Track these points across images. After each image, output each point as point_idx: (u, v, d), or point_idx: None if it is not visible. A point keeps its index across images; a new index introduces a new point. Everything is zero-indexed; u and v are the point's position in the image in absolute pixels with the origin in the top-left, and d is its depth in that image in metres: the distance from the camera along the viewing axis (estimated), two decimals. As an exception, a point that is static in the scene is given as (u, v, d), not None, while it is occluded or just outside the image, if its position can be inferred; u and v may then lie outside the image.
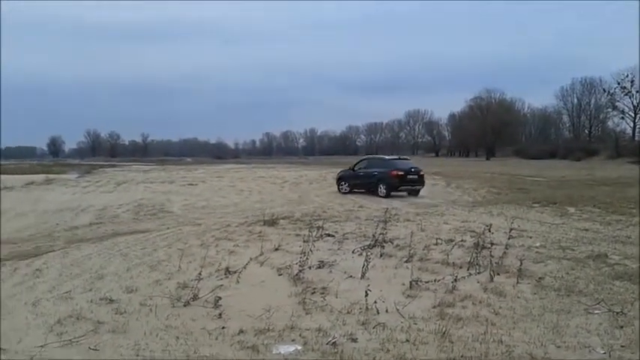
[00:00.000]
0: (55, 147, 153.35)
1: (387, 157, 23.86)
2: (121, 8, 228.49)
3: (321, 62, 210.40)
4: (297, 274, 6.32)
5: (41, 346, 4.18)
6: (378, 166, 21.37)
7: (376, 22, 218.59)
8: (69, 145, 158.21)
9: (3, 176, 34.45)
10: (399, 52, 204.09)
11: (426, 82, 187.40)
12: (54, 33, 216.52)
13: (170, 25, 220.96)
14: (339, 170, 24.43)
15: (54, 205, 16.90)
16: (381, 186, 20.09)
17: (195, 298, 5.41)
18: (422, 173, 20.82)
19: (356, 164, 22.64)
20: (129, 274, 6.76)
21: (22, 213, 14.92)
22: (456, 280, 5.93)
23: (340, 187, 22.08)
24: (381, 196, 19.57)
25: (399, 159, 22.60)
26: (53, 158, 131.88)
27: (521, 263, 6.46)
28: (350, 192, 21.34)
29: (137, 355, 4.01)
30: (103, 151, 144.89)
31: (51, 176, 36.83)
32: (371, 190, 20.50)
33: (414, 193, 20.39)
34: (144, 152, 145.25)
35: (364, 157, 26.16)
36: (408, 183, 20.31)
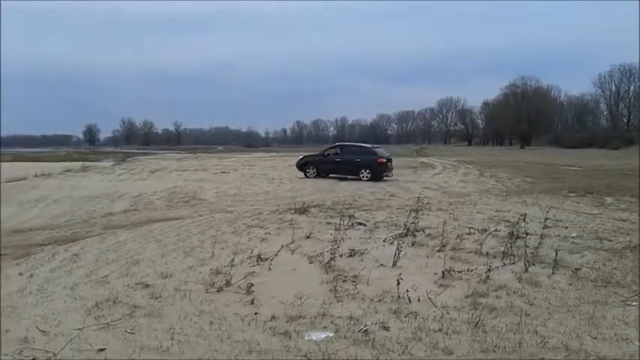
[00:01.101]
0: (90, 135, 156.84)
1: (365, 144, 25.19)
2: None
3: (352, 50, 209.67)
4: (328, 262, 6.34)
5: (79, 328, 4.29)
6: (359, 153, 23.13)
7: (408, 9, 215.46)
8: (104, 133, 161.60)
9: (42, 164, 35.42)
10: (432, 39, 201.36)
11: (460, 70, 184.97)
12: (90, 23, 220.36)
13: (204, 14, 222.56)
14: (300, 156, 26.00)
15: (90, 192, 17.27)
16: (365, 171, 21.99)
17: (228, 284, 5.48)
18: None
19: (327, 150, 24.47)
20: (163, 260, 6.89)
21: (59, 199, 15.29)
22: (489, 269, 5.87)
23: (307, 171, 23.38)
24: (364, 181, 21.41)
25: (375, 147, 24.51)
26: (89, 146, 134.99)
27: (557, 254, 6.34)
28: (320, 176, 22.91)
29: (172, 339, 4.08)
30: (137, 139, 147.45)
31: (87, 164, 37.75)
32: (350, 175, 22.21)
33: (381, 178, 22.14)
34: (177, 140, 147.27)
35: (336, 144, 27.14)
36: (388, 170, 22.53)
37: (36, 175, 24.67)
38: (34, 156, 57.12)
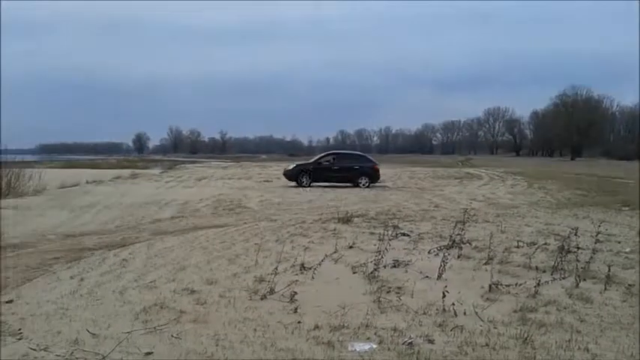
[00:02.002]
0: (140, 143, 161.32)
1: (356, 152, 28.08)
2: (208, 9, 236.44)
3: (398, 59, 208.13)
4: (371, 273, 6.29)
5: (128, 332, 4.39)
6: (356, 160, 24.84)
7: (455, 18, 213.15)
8: (153, 141, 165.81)
9: (93, 171, 36.64)
10: (479, 48, 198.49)
11: (508, 79, 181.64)
12: (142, 34, 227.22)
13: (250, 25, 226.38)
14: (292, 165, 25.84)
15: (139, 199, 17.75)
16: (363, 178, 23.23)
17: (271, 292, 5.51)
18: None
19: (320, 158, 25.00)
20: (209, 267, 6.99)
21: (109, 206, 15.76)
22: (538, 284, 5.69)
23: (301, 180, 23.38)
24: (361, 188, 22.62)
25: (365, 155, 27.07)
26: (138, 154, 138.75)
27: (610, 269, 6.09)
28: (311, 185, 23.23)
29: (217, 345, 4.13)
30: (184, 148, 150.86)
31: (136, 171, 38.83)
32: (347, 183, 23.18)
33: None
34: (222, 149, 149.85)
35: (329, 152, 27.19)
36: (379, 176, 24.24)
37: (88, 182, 25.52)
38: (86, 163, 59.16)
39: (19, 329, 4.53)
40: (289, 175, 24.27)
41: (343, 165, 23.97)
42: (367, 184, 23.10)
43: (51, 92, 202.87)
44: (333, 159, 24.57)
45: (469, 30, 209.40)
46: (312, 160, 25.54)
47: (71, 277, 6.50)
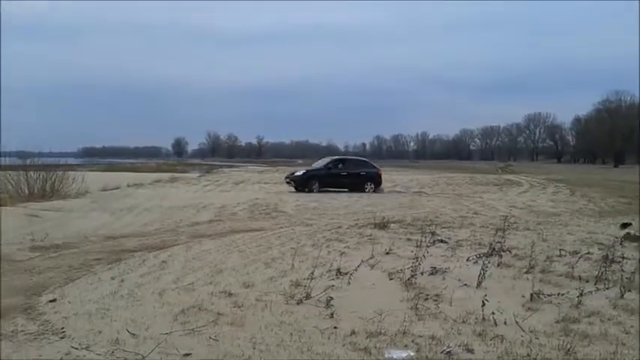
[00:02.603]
0: (179, 147, 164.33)
1: (362, 158, 28.82)
2: (242, 14, 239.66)
3: (434, 63, 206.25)
4: (409, 279, 6.21)
5: (167, 333, 4.44)
6: (361, 166, 25.18)
7: (495, 21, 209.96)
8: (191, 146, 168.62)
9: (134, 174, 37.46)
10: (519, 52, 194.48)
11: (548, 84, 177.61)
12: (180, 39, 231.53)
13: (287, 29, 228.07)
14: (300, 170, 25.42)
15: (178, 202, 18.06)
16: (369, 184, 23.71)
17: (307, 296, 5.50)
18: None
19: (329, 164, 24.81)
20: (245, 270, 7.03)
21: (149, 208, 16.08)
22: (581, 294, 5.51)
23: (311, 186, 23.15)
24: (367, 192, 23.03)
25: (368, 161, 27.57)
26: (177, 158, 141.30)
27: (657, 280, 5.87)
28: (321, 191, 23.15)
29: (254, 348, 4.14)
30: (222, 152, 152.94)
31: (175, 175, 39.54)
32: (355, 188, 23.35)
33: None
34: (258, 153, 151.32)
35: (335, 158, 27.02)
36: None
37: (128, 185, 26.14)
38: (127, 166, 60.57)
39: (62, 328, 4.64)
40: (299, 181, 23.75)
41: (350, 171, 24.26)
42: (372, 190, 23.54)
43: (92, 97, 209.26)
44: (341, 165, 24.80)
45: (508, 33, 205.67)
46: (318, 165, 25.42)
47: (112, 278, 6.64)
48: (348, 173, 24.13)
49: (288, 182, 24.48)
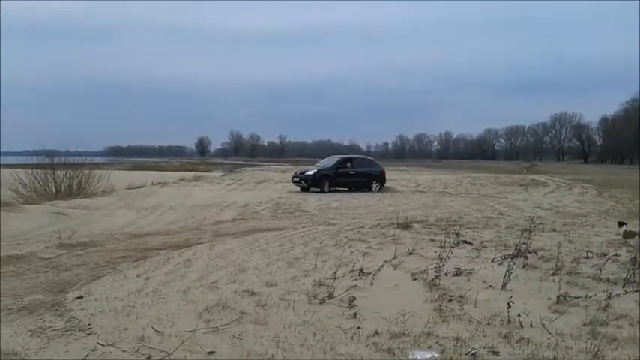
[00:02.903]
0: (202, 147, 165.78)
1: (367, 157, 29.05)
2: (268, 15, 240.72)
3: (458, 62, 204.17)
4: (432, 280, 6.17)
5: (191, 330, 4.48)
6: (367, 165, 25.34)
7: (521, 19, 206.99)
8: (214, 145, 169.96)
9: (158, 173, 37.88)
10: (544, 50, 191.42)
11: (575, 83, 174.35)
12: (203, 40, 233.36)
13: (309, 30, 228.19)
14: (310, 170, 24.54)
15: (201, 201, 18.21)
16: (374, 183, 24.00)
17: (330, 296, 5.50)
18: None
19: (338, 163, 24.39)
20: (268, 269, 7.05)
21: (173, 207, 16.24)
22: (609, 297, 5.42)
23: (325, 186, 22.89)
24: (374, 192, 23.33)
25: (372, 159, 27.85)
26: (200, 157, 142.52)
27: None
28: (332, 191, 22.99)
29: (277, 347, 4.14)
30: (244, 152, 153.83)
31: (199, 174, 39.88)
32: (363, 187, 23.64)
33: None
34: (280, 153, 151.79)
35: (343, 156, 26.44)
36: None
37: (153, 184, 26.44)
38: (152, 165, 61.30)
39: (89, 324, 4.71)
40: (312, 180, 23.16)
41: (358, 170, 24.29)
42: (378, 189, 23.73)
43: (118, 97, 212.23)
44: (349, 164, 24.62)
45: (534, 31, 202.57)
46: (327, 165, 24.73)
47: (137, 276, 6.72)
48: (356, 172, 24.13)
49: (297, 182, 23.86)
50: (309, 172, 23.80)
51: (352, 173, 24.08)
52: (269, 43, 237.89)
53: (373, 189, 23.53)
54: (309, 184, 23.02)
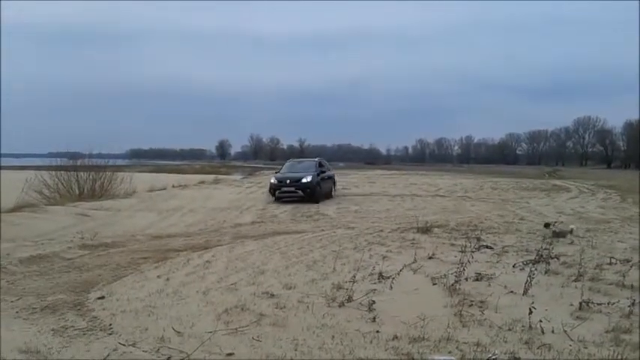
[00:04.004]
0: (222, 150, 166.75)
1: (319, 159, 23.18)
2: (289, 20, 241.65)
3: (481, 65, 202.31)
4: (452, 285, 6.11)
5: (211, 332, 4.51)
6: (327, 168, 22.94)
7: (541, 22, 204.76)
8: (234, 148, 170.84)
9: (179, 176, 38.20)
10: (567, 53, 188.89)
11: (598, 87, 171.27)
12: (227, 46, 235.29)
13: (331, 33, 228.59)
14: (306, 175, 19.78)
15: (221, 203, 18.32)
16: (334, 189, 22.50)
17: (349, 299, 5.48)
18: None
19: (318, 166, 21.24)
20: (287, 272, 7.07)
21: (194, 209, 16.37)
22: (633, 304, 5.31)
23: (321, 196, 19.82)
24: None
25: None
26: (220, 160, 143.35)
27: None
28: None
29: (295, 350, 4.15)
30: (264, 155, 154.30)
31: (219, 177, 40.10)
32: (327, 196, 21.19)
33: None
34: (300, 156, 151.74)
35: (310, 159, 23.87)
36: None
37: (174, 186, 26.67)
38: (172, 168, 61.85)
39: (110, 324, 4.77)
40: (310, 190, 19.30)
41: (326, 174, 21.87)
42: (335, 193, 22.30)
43: (140, 100, 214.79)
44: (321, 167, 21.53)
45: (555, 35, 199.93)
46: (307, 170, 20.66)
47: (158, 277, 6.79)
48: (328, 177, 22.03)
49: (285, 192, 19.55)
50: (306, 179, 19.53)
51: (325, 177, 21.45)
52: (291, 47, 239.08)
53: (333, 194, 21.65)
54: (307, 193, 19.19)
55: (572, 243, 9.67)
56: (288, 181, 19.67)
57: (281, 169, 22.21)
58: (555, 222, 11.33)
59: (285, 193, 19.56)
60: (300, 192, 19.32)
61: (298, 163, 22.69)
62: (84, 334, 4.53)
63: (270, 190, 20.20)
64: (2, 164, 46.64)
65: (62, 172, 20.48)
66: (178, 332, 4.52)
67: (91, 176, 20.80)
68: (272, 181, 20.30)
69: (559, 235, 10.00)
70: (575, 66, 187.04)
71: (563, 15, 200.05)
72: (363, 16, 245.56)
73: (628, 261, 7.87)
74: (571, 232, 10.15)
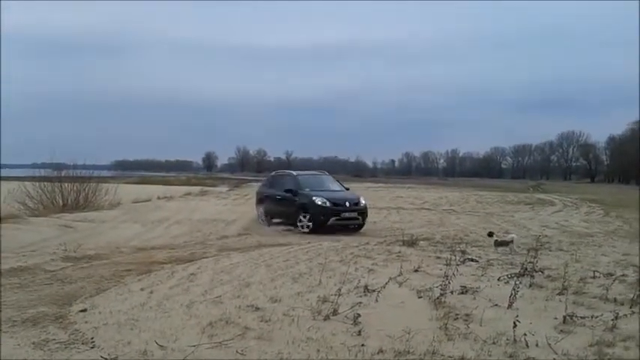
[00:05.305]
0: (209, 161, 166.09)
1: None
2: (277, 32, 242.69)
3: (466, 80, 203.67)
4: (438, 298, 6.12)
5: (194, 345, 4.46)
6: None
7: (527, 38, 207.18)
8: (221, 160, 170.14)
9: (165, 187, 37.97)
10: (553, 69, 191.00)
11: (583, 102, 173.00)
12: (212, 55, 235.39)
13: (318, 46, 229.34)
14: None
15: (207, 215, 18.23)
16: None
17: (335, 312, 5.46)
18: None
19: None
20: (273, 284, 7.03)
21: (179, 221, 16.27)
22: (616, 317, 5.34)
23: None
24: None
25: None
26: (207, 172, 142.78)
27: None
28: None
29: (280, 364, 4.12)
30: (251, 167, 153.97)
31: (205, 188, 39.96)
32: None
33: None
34: (287, 168, 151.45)
35: (302, 171, 18.32)
36: None
37: (159, 198, 26.50)
38: (158, 180, 61.48)
39: (92, 338, 4.70)
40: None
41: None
42: None
43: (126, 111, 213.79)
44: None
45: (541, 50, 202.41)
46: (338, 186, 16.75)
47: (141, 289, 6.72)
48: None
49: (347, 219, 14.82)
50: (362, 201, 15.46)
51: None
52: (279, 59, 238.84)
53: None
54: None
55: (557, 256, 9.76)
56: (347, 204, 14.91)
57: (285, 182, 16.40)
58: (498, 232, 11.81)
59: (344, 220, 14.69)
60: (360, 219, 15.06)
61: (312, 178, 17.06)
62: (65, 348, 4.46)
63: (318, 216, 14.41)
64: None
65: (46, 183, 20.29)
66: (161, 346, 4.47)
67: (75, 187, 20.62)
68: (320, 202, 14.53)
69: (501, 244, 10.22)
70: (560, 80, 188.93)
71: (550, 32, 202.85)
72: (351, 29, 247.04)
73: (611, 275, 7.94)
74: (512, 241, 10.26)
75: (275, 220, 15.91)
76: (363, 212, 15.09)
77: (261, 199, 17.01)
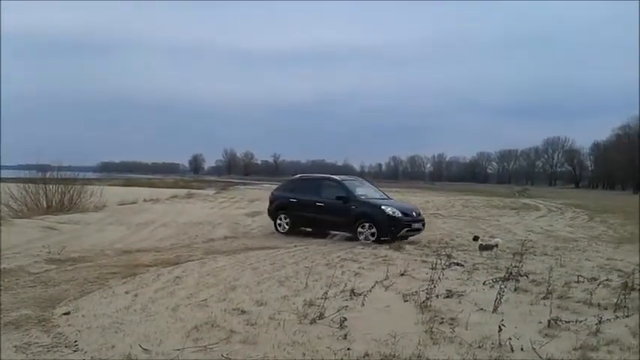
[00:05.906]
0: (196, 164, 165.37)
1: None
2: (267, 34, 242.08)
3: (454, 85, 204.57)
4: (424, 302, 6.14)
5: (179, 349, 4.43)
6: None
7: (516, 44, 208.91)
8: (208, 162, 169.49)
9: (151, 189, 37.72)
10: (539, 74, 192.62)
11: (568, 108, 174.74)
12: (199, 58, 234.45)
13: (307, 49, 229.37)
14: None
15: (194, 218, 18.13)
16: None
17: (321, 316, 5.45)
18: None
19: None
20: (259, 288, 7.01)
21: (165, 224, 16.16)
22: (600, 321, 5.40)
23: None
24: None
25: None
26: (194, 174, 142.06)
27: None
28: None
29: (266, 368, 4.10)
30: (238, 170, 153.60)
31: (192, 191, 39.74)
32: None
33: None
34: (274, 171, 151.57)
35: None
36: None
37: (145, 200, 26.30)
38: (145, 182, 61.06)
39: (75, 341, 4.65)
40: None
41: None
42: None
43: (113, 112, 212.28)
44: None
45: (527, 55, 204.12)
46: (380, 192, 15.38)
47: (126, 292, 6.66)
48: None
49: (415, 230, 13.66)
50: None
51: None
52: (270, 63, 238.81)
53: None
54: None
55: (541, 261, 9.83)
56: (414, 214, 13.96)
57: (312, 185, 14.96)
58: (483, 236, 12.16)
59: (412, 231, 13.54)
60: (423, 229, 14.18)
61: (358, 183, 15.51)
62: (48, 351, 4.41)
63: (387, 228, 12.92)
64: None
65: (30, 184, 20.05)
66: (146, 350, 4.43)
67: (59, 189, 20.36)
68: (391, 211, 13.17)
69: (485, 248, 10.47)
70: (545, 87, 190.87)
71: (537, 38, 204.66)
72: (338, 34, 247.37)
73: (595, 279, 8.02)
74: (496, 245, 10.55)
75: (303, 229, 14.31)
76: (424, 222, 14.35)
77: (281, 205, 14.83)
